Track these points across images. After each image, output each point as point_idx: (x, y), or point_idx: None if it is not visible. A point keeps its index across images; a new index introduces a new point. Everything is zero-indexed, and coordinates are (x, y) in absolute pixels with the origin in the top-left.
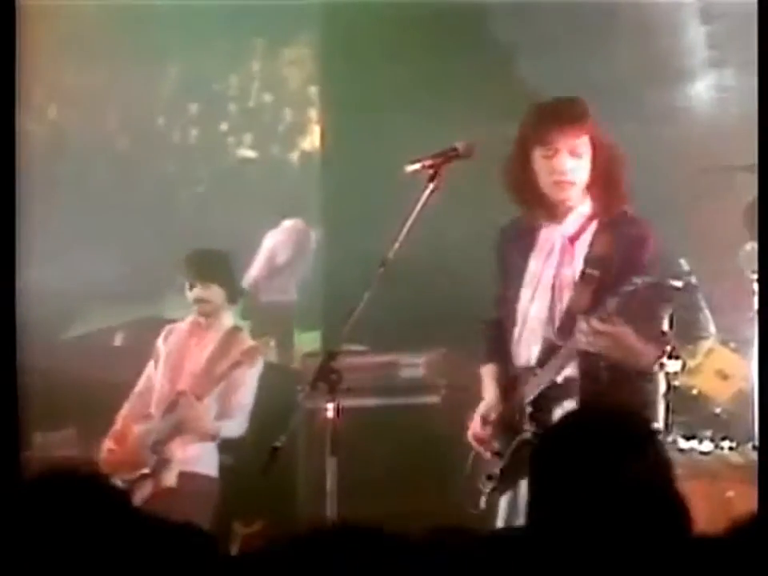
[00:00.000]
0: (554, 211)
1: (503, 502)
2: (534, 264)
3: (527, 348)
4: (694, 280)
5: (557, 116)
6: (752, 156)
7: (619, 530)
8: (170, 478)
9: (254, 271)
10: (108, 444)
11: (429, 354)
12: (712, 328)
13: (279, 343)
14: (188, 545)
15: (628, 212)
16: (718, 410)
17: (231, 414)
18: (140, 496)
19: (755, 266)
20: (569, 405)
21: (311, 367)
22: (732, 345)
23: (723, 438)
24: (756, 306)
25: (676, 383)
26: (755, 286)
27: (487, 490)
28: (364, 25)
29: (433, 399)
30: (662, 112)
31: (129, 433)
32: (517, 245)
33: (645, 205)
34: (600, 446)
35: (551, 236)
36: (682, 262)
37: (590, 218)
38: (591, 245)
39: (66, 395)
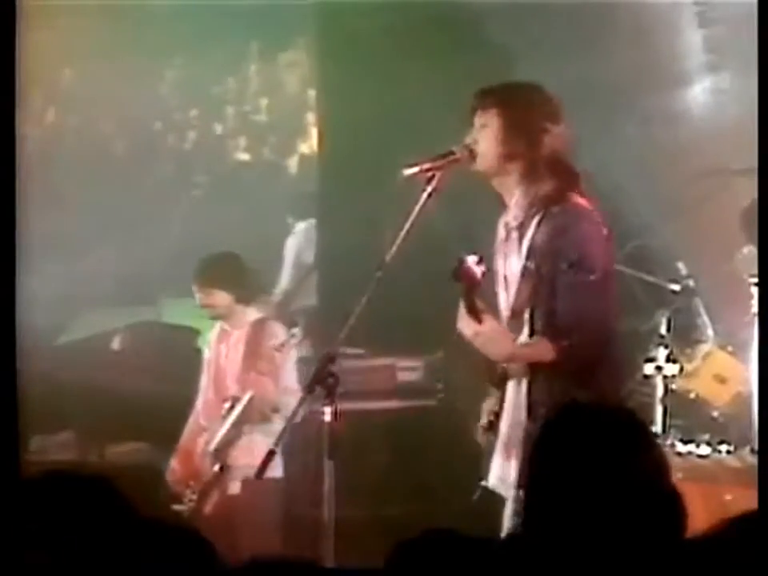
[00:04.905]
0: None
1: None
2: (496, 255)
3: None
4: (691, 283)
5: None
6: (749, 159)
7: (615, 529)
8: (234, 486)
9: (284, 283)
10: (173, 463)
11: (426, 357)
12: (710, 331)
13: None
14: (186, 549)
15: (578, 203)
16: (715, 414)
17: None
18: (207, 506)
19: (753, 270)
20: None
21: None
22: (730, 348)
23: (721, 442)
24: (754, 309)
25: (674, 387)
26: (753, 290)
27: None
28: (361, 28)
29: (430, 402)
30: (660, 115)
31: (192, 448)
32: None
33: (642, 208)
34: (593, 442)
35: (499, 226)
36: (680, 265)
37: (531, 207)
38: (533, 236)
39: (65, 399)
